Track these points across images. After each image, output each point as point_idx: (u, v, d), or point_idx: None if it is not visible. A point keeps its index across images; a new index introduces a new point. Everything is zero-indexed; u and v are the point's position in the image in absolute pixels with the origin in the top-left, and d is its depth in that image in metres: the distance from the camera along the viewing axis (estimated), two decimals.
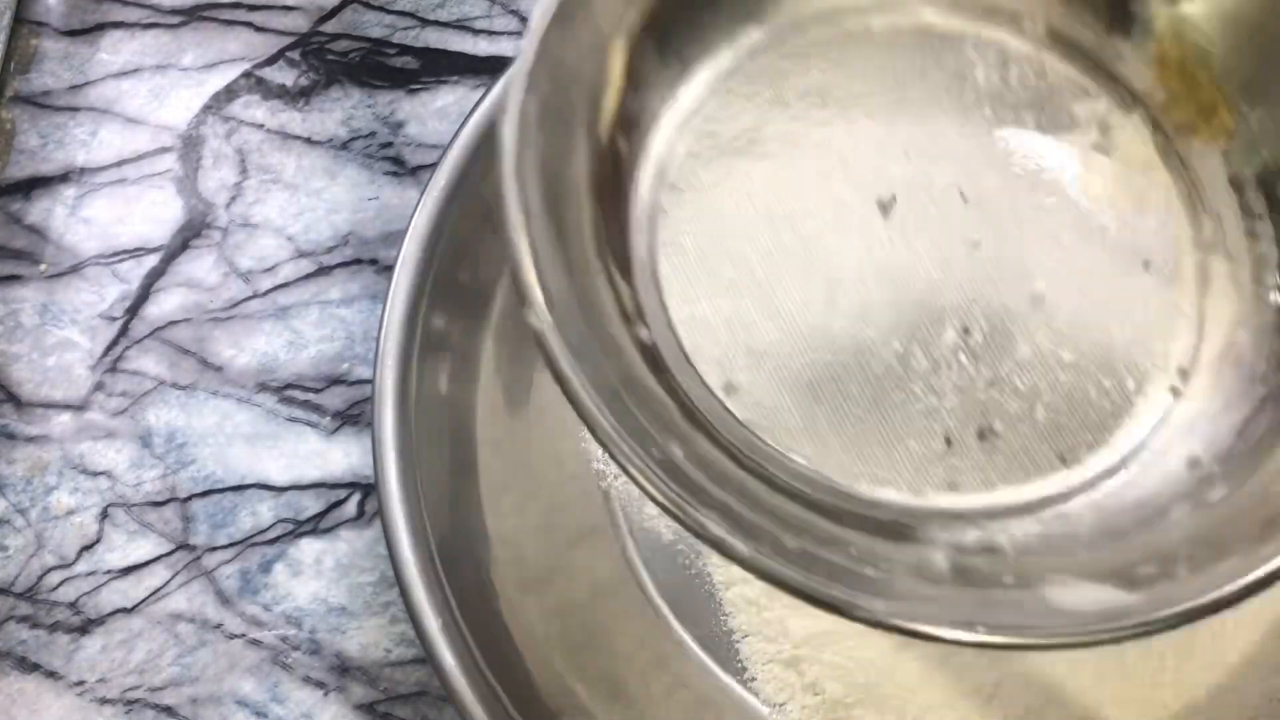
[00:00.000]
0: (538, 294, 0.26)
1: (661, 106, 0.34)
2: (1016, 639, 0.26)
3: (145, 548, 0.40)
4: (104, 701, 0.38)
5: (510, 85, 0.27)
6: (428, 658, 0.34)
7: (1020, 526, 0.32)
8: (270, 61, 0.43)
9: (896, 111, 0.36)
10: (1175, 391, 0.34)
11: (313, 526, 0.40)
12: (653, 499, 0.25)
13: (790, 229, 0.35)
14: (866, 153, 0.36)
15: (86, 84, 0.43)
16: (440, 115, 0.44)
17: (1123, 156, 0.36)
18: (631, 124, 0.33)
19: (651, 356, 0.31)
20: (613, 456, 0.26)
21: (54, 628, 0.39)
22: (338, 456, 0.40)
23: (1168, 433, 0.33)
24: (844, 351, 0.34)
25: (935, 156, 0.36)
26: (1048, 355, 0.34)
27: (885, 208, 0.35)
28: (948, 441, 0.32)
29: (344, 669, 0.38)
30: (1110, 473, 0.33)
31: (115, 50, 0.43)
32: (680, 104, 0.34)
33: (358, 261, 0.42)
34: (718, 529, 0.25)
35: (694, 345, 0.34)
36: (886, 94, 0.36)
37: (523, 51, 0.27)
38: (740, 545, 0.25)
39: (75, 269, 0.42)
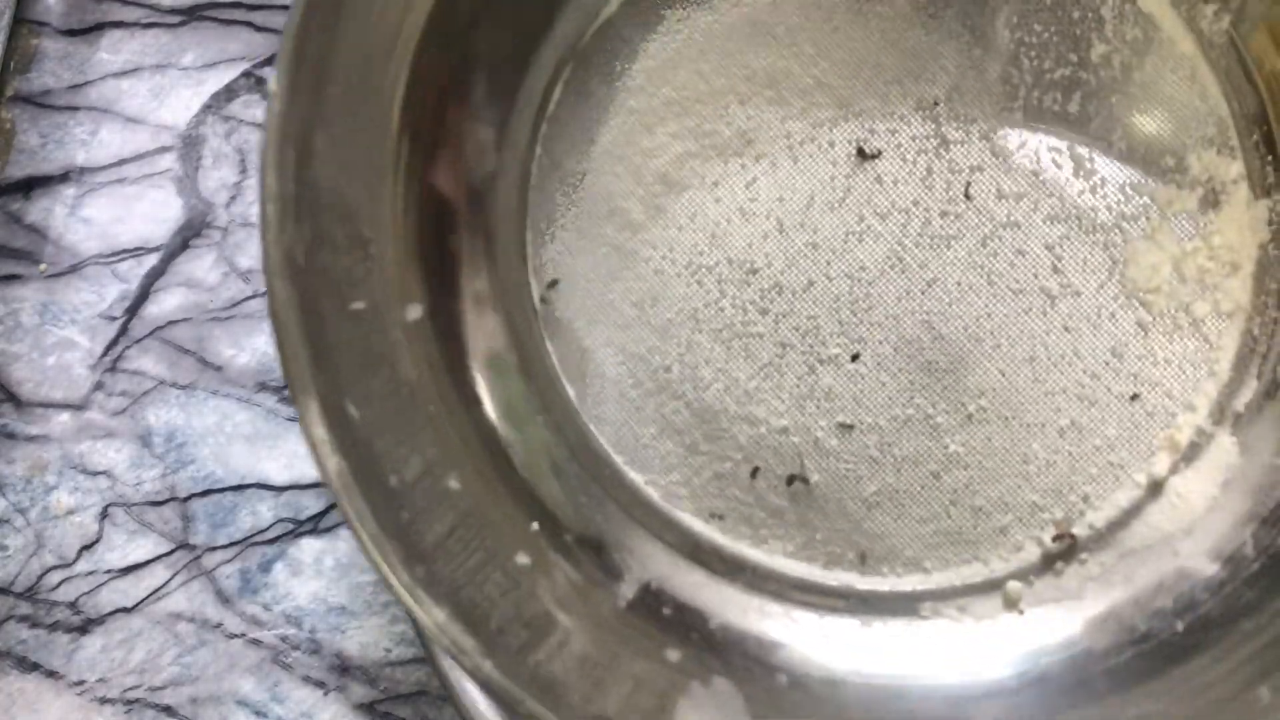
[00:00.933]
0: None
1: None
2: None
3: (145, 547, 0.40)
4: (104, 701, 0.38)
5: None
6: (428, 658, 0.34)
7: (738, 599, 0.26)
8: (270, 61, 0.43)
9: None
10: (1052, 565, 0.26)
11: (313, 526, 0.40)
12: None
13: (725, 137, 0.30)
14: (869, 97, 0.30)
15: (86, 83, 0.43)
16: None
17: (1213, 244, 0.28)
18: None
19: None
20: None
21: (54, 627, 0.39)
22: None
23: (997, 640, 0.26)
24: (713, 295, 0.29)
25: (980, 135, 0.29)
26: (936, 432, 0.27)
27: (865, 157, 0.29)
28: (753, 470, 0.27)
29: (344, 668, 0.38)
30: (894, 613, 0.26)
31: (115, 50, 0.43)
32: None
33: None
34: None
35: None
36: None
37: None
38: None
39: (75, 269, 0.42)
